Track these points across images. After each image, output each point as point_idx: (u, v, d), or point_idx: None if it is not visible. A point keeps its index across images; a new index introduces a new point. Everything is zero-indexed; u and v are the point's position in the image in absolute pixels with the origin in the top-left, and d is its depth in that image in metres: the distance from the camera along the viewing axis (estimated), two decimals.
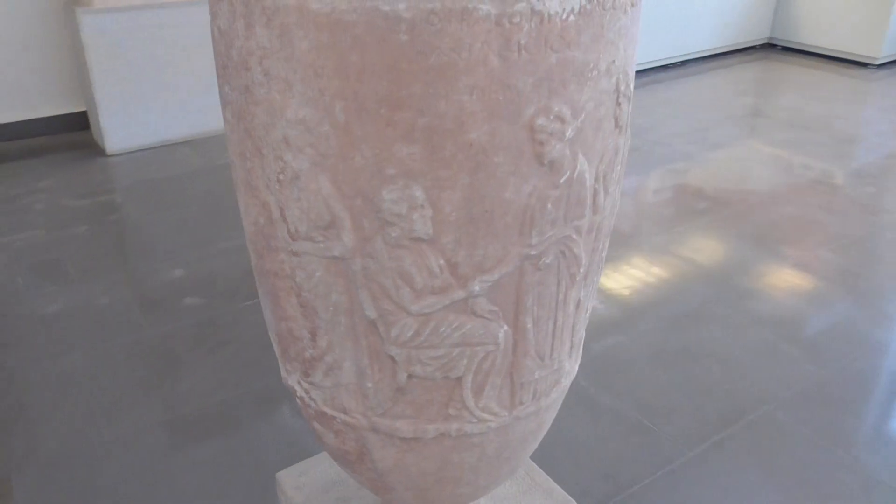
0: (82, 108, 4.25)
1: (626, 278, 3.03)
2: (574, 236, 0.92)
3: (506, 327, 0.94)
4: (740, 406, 2.25)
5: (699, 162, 4.25)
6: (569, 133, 0.83)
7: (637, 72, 5.59)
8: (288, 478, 1.47)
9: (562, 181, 0.86)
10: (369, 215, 0.83)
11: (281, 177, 0.86)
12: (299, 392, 1.07)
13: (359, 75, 0.76)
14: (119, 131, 4.17)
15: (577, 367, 1.12)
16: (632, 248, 3.27)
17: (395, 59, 0.75)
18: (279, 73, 0.80)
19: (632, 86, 0.91)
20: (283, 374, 1.11)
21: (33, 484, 2.02)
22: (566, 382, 1.09)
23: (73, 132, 4.44)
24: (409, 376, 0.95)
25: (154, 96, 4.16)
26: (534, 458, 1.53)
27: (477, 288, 0.88)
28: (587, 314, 1.07)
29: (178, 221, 3.54)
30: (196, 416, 2.30)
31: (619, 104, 0.89)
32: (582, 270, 0.97)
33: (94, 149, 4.33)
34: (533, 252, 0.89)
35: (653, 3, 5.47)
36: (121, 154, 4.28)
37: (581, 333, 1.07)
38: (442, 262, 0.86)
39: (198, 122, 4.32)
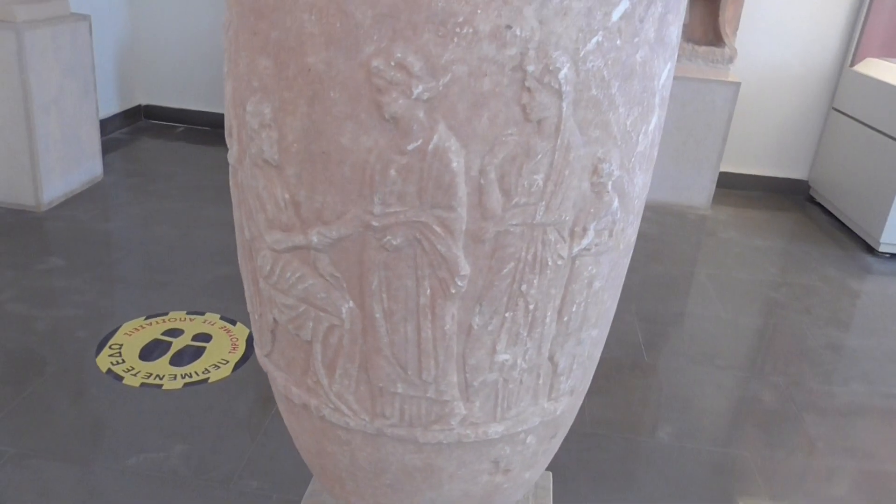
0: None
1: None
2: (437, 228, 0.77)
3: (351, 304, 0.83)
4: None
5: None
6: (418, 90, 0.71)
7: None
8: None
9: (410, 148, 0.74)
10: (245, 127, 0.84)
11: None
12: None
13: None
14: None
15: (495, 427, 0.91)
16: None
17: None
18: None
19: (564, 76, 0.72)
20: None
21: None
22: (465, 431, 0.90)
23: None
24: (275, 320, 0.92)
25: None
26: None
27: (315, 239, 0.81)
28: (501, 360, 0.86)
29: None
30: None
31: (528, 90, 0.72)
32: (461, 284, 0.80)
33: None
34: (375, 223, 0.78)
35: None
36: None
37: (489, 379, 0.87)
38: (287, 196, 0.82)
39: None
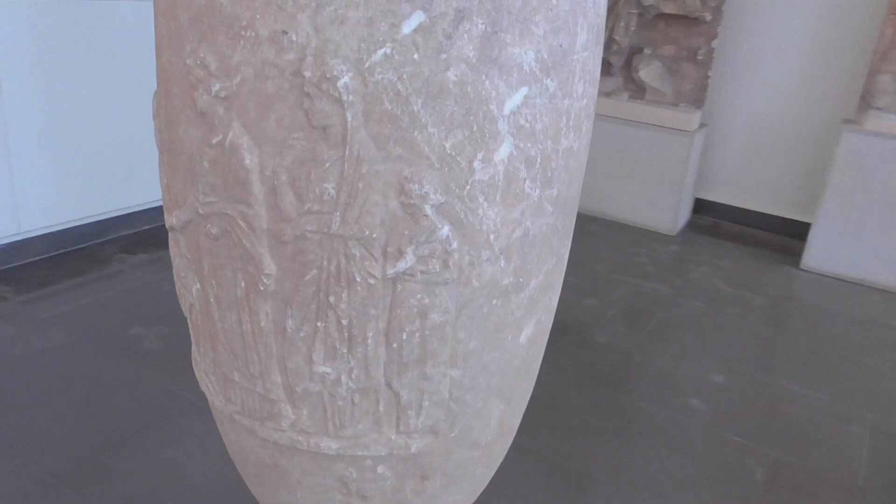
0: (807, 220, 4.20)
1: None
2: (241, 223, 0.80)
3: (198, 285, 0.89)
4: None
5: None
6: (215, 88, 0.76)
7: None
8: None
9: (214, 142, 0.78)
10: None
11: None
12: None
13: None
14: (824, 249, 3.99)
15: (328, 442, 0.89)
16: None
17: None
18: None
19: (344, 85, 0.71)
20: None
21: None
22: (296, 437, 0.90)
23: (789, 237, 4.44)
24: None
25: (880, 230, 3.80)
26: None
27: (174, 220, 0.89)
28: (321, 371, 0.84)
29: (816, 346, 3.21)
30: None
31: (308, 95, 0.72)
32: (267, 282, 0.81)
33: (794, 257, 4.26)
34: (201, 210, 0.83)
35: None
36: (815, 272, 4.07)
37: (312, 389, 0.86)
38: (166, 180, 0.91)
39: None
